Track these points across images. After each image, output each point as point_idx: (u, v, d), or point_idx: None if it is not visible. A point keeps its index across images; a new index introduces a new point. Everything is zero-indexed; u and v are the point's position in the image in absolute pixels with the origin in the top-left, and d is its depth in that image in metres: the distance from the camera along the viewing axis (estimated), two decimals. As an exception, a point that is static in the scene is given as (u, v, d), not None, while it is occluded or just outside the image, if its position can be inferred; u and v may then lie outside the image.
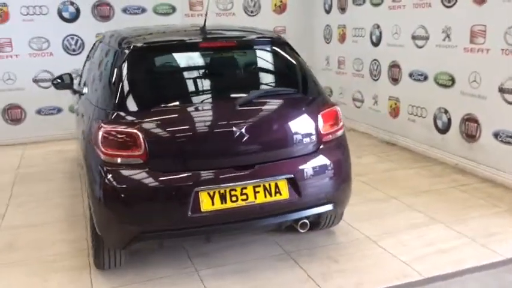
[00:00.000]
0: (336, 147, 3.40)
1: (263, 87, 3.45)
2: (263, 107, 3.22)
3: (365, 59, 6.91)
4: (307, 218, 3.31)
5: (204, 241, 3.25)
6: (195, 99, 3.25)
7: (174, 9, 7.45)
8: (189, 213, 2.94)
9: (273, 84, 3.48)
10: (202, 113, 3.13)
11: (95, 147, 3.00)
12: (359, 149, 6.13)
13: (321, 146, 3.31)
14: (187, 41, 3.38)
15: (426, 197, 4.60)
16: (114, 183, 2.92)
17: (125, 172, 2.93)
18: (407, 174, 5.27)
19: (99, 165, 2.96)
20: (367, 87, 6.95)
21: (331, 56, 7.77)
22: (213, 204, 2.99)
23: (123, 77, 3.09)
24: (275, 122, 3.23)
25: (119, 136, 2.93)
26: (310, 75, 3.54)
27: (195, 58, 3.36)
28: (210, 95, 3.30)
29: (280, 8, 7.95)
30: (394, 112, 6.41)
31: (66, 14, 6.96)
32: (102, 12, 7.13)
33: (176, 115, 3.08)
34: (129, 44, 3.22)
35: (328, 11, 7.72)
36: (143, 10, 7.30)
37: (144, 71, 3.18)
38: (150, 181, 2.92)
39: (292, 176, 3.15)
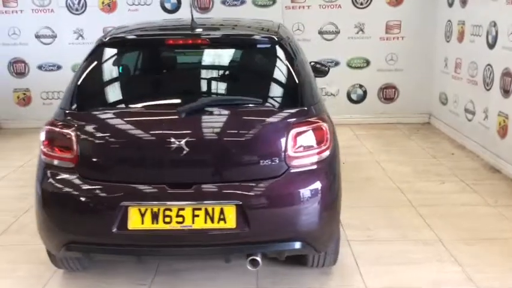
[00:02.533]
0: (313, 174, 2.75)
1: (224, 94, 2.93)
2: (213, 118, 2.74)
3: (480, 63, 5.70)
4: (264, 254, 2.75)
5: (136, 261, 2.90)
6: (141, 103, 2.88)
7: (274, 1, 7.08)
8: (114, 229, 2.63)
9: (239, 92, 2.92)
10: (142, 119, 2.77)
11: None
12: (450, 173, 5.12)
13: (288, 171, 2.70)
14: (152, 37, 3.03)
15: (483, 247, 3.57)
16: (47, 185, 2.76)
17: (57, 175, 2.74)
18: (486, 213, 4.17)
19: (40, 165, 2.83)
20: (479, 98, 5.73)
21: (449, 57, 6.61)
22: (142, 222, 2.64)
23: (81, 75, 2.90)
24: (224, 136, 2.72)
25: (56, 137, 2.76)
26: (301, 84, 2.91)
27: (158, 57, 3.00)
28: (159, 100, 2.91)
29: (396, 0, 7.00)
30: (503, 131, 5.16)
31: None
32: (202, 3, 7.09)
33: (113, 119, 2.77)
34: (98, 41, 3.00)
35: (450, 4, 6.55)
36: (242, 2, 7.09)
37: (100, 69, 2.93)
38: (76, 188, 2.69)
39: (241, 202, 2.63)
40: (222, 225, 2.63)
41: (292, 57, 2.97)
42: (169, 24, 3.36)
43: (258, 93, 2.89)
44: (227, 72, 3.06)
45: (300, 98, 2.87)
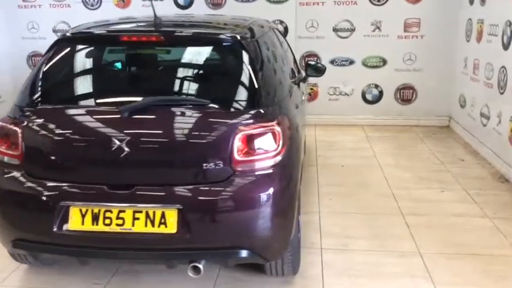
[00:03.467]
0: (262, 180, 2.61)
1: (173, 94, 2.81)
2: (156, 119, 2.63)
3: (495, 64, 5.35)
4: (206, 260, 2.65)
5: (79, 263, 2.85)
6: (88, 101, 2.81)
7: (288, -4, 6.92)
8: (55, 228, 2.59)
9: (189, 92, 2.79)
10: (86, 117, 2.70)
11: None
12: (454, 181, 4.83)
13: (233, 176, 2.57)
14: (106, 34, 2.95)
15: (465, 264, 3.31)
16: None
17: (5, 172, 2.73)
18: (480, 226, 3.89)
19: None
20: (494, 101, 5.38)
21: (469, 58, 6.25)
22: (82, 223, 2.59)
23: (35, 71, 2.88)
24: (167, 138, 2.62)
25: (5, 134, 2.75)
26: (259, 85, 2.75)
27: (111, 54, 2.93)
28: (106, 98, 2.82)
29: (416, -3, 6.69)
30: (514, 138, 4.83)
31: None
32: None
33: (59, 117, 2.72)
34: (58, 37, 2.97)
35: (471, 1, 6.18)
36: (255, -2, 6.95)
37: (53, 65, 2.86)
38: (20, 185, 2.67)
39: (181, 207, 2.53)
40: (162, 229, 2.54)
41: (252, 57, 2.82)
42: (134, 21, 3.28)
43: (208, 93, 2.77)
44: (179, 72, 2.95)
45: (256, 100, 2.73)
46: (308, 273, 3.22)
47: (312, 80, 7.00)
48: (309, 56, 7.08)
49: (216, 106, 2.66)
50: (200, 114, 2.65)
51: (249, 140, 2.60)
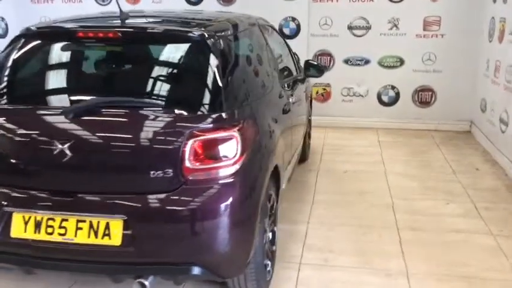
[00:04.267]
0: (216, 191, 2.38)
1: (124, 95, 2.59)
2: (102, 122, 2.44)
3: (515, 66, 4.93)
4: (155, 276, 2.45)
5: (24, 272, 2.69)
6: (33, 101, 2.61)
7: (302, -9, 6.63)
8: None
9: (142, 94, 2.57)
10: (29, 118, 2.53)
11: None
12: (463, 192, 4.50)
13: (184, 186, 2.36)
14: (62, 30, 2.77)
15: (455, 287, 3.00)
16: None
17: None
18: (482, 244, 3.54)
19: None
20: (513, 107, 4.97)
21: (491, 59, 5.82)
22: (25, 231, 2.43)
23: None
24: (112, 142, 2.42)
25: None
26: (223, 87, 2.53)
27: (65, 51, 2.75)
28: (53, 98, 2.65)
29: (436, -6, 6.30)
30: (530, 148, 4.42)
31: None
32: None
33: (3, 118, 2.56)
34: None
35: (495, -1, 5.76)
36: (267, -7, 6.69)
37: (8, 63, 2.72)
38: (-36, 189, 2.53)
39: (125, 217, 2.34)
40: (106, 241, 2.36)
41: (216, 56, 2.59)
42: (105, 17, 3.10)
43: (162, 95, 2.56)
44: (134, 71, 2.75)
45: (217, 102, 2.50)
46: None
47: (324, 80, 6.74)
48: (321, 55, 6.78)
49: (169, 109, 2.44)
50: (150, 118, 2.44)
51: (203, 146, 2.38)
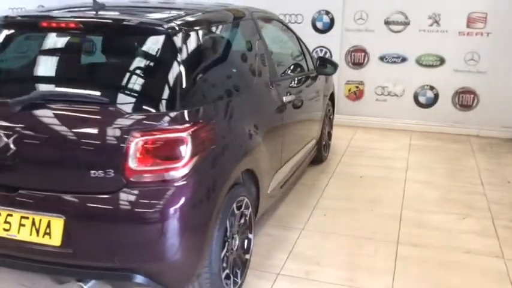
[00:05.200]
0: (159, 193, 2.23)
1: (74, 88, 2.47)
2: (48, 116, 2.33)
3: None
4: (96, 280, 2.34)
5: None
6: None
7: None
8: None
9: (95, 88, 2.42)
10: None
11: None
12: (485, 207, 4.11)
13: (126, 188, 2.22)
14: (25, 19, 2.69)
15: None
16: None
17: None
18: (488, 268, 3.17)
19: None
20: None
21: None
22: (-30, 224, 2.39)
23: None
24: (53, 137, 2.31)
25: None
26: (185, 83, 2.37)
27: (28, 40, 2.67)
28: (6, 89, 2.55)
29: (483, -13, 5.78)
30: None
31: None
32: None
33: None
34: None
35: (547, -6, 5.19)
36: (299, -15, 6.43)
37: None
38: None
39: (64, 217, 2.24)
40: (46, 240, 2.27)
41: (178, 51, 2.42)
42: (76, 6, 2.99)
43: (113, 90, 2.41)
44: (90, 63, 2.62)
45: (171, 101, 2.34)
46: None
47: (358, 77, 6.41)
48: (355, 51, 6.44)
49: (115, 105, 2.30)
50: (94, 114, 2.31)
51: (147, 147, 2.23)
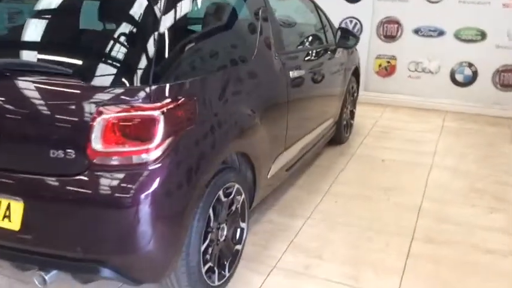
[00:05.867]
0: (127, 178, 1.98)
1: (28, 56, 2.21)
2: (8, 87, 2.10)
3: None
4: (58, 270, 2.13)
5: None
6: None
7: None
8: None
9: (58, 56, 2.16)
10: None
11: None
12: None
13: (90, 170, 1.99)
14: None
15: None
16: None
17: None
18: (509, 272, 2.81)
19: None
20: None
21: None
22: None
23: None
24: (11, 112, 2.08)
25: None
26: (158, 54, 2.08)
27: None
28: None
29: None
30: None
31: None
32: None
33: None
34: None
35: None
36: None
37: None
38: None
39: (23, 200, 2.03)
40: (6, 224, 2.07)
41: (159, 13, 2.14)
42: None
43: (78, 60, 2.16)
44: (54, 30, 2.34)
45: (144, 74, 2.06)
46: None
47: (389, 51, 5.98)
48: (388, 22, 5.99)
49: (82, 77, 2.04)
50: (58, 86, 2.07)
51: (113, 126, 1.98)
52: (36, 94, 2.08)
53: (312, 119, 3.66)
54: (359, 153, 4.54)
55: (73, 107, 2.01)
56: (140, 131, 2.00)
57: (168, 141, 2.02)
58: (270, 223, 3.27)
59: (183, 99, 2.12)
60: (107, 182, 1.99)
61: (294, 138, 3.31)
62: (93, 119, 1.97)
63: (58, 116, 2.02)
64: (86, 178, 1.99)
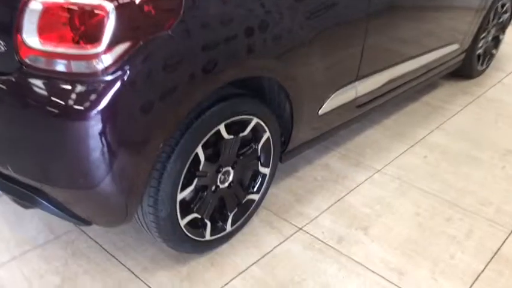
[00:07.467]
0: (64, 89, 1.45)
1: None
2: None
3: None
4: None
5: None
6: None
7: None
8: None
9: None
10: None
11: None
12: None
13: (19, 71, 1.49)
14: None
15: None
16: None
17: None
18: None
19: None
20: None
21: None
22: None
23: None
24: None
25: None
26: None
27: None
28: None
29: None
30: None
31: None
32: None
33: None
34: None
35: None
36: None
37: None
38: None
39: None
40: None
41: None
42: None
43: None
44: None
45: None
46: (230, 260, 1.99)
47: None
48: None
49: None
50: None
51: (50, 17, 1.41)
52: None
53: (415, 42, 2.70)
54: (488, 96, 3.46)
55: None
56: (87, 29, 1.40)
57: (123, 45, 1.41)
58: (323, 168, 2.57)
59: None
60: (38, 90, 1.48)
61: (377, 65, 2.45)
62: (26, 5, 1.41)
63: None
64: (12, 79, 1.49)
